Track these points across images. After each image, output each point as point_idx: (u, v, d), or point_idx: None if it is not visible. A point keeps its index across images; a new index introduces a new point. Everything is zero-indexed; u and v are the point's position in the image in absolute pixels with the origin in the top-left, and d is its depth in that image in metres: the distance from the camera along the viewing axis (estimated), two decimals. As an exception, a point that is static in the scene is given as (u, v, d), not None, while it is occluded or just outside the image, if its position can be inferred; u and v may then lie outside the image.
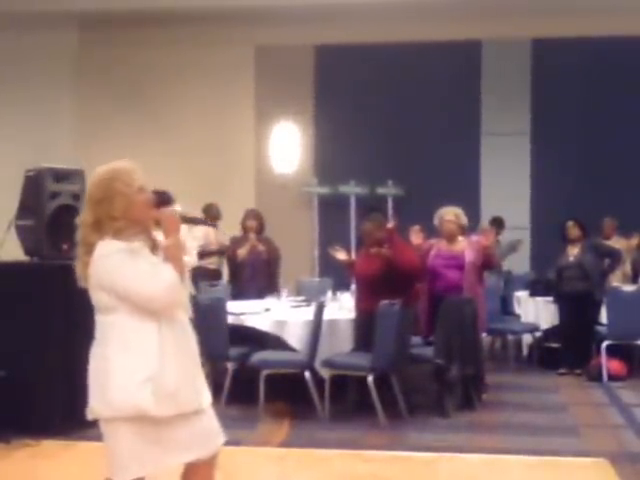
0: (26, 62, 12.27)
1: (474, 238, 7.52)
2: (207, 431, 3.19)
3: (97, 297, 3.08)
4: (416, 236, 7.33)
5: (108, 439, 3.10)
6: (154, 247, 3.15)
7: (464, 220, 7.47)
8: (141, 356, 3.00)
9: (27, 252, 6.31)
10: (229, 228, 9.57)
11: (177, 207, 3.27)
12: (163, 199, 3.33)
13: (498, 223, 10.24)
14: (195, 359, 3.19)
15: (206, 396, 3.23)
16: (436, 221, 7.44)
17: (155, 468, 3.11)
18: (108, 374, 3.01)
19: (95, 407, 3.08)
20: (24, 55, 12.24)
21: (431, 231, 7.51)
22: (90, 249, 3.07)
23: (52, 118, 12.39)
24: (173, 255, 3.06)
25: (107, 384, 3.01)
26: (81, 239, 3.12)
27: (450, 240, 7.36)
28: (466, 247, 7.30)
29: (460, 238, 7.39)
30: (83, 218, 3.12)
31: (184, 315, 3.18)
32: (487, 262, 7.36)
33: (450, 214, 7.39)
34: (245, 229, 9.06)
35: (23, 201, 6.28)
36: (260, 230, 9.07)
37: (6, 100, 12.33)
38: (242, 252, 8.90)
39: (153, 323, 3.03)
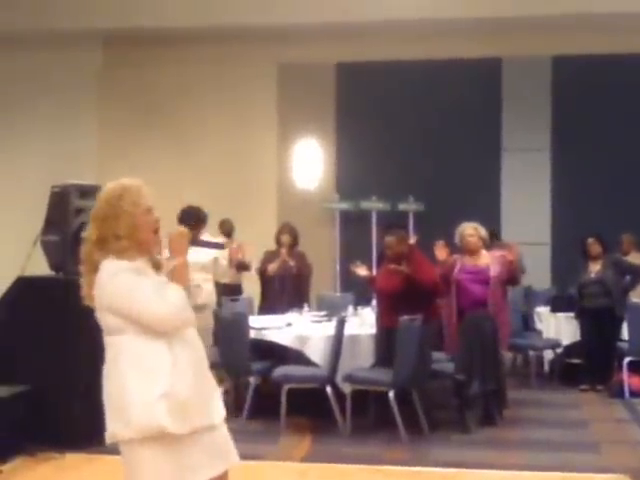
0: (50, 79, 12.46)
1: (498, 253, 7.54)
2: (219, 448, 3.12)
3: (105, 319, 3.04)
4: (441, 251, 7.36)
5: (129, 463, 3.02)
6: (157, 266, 3.13)
7: (483, 232, 7.49)
8: (154, 373, 2.96)
9: (52, 267, 6.38)
10: (252, 243, 9.65)
11: (183, 228, 3.23)
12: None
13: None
14: (206, 374, 3.15)
15: (219, 412, 3.16)
16: (457, 239, 7.45)
17: None
18: (124, 395, 2.95)
19: (114, 430, 3.00)
20: (48, 72, 12.43)
21: (454, 247, 7.52)
22: (94, 267, 3.04)
23: (76, 134, 12.55)
24: (180, 275, 3.06)
25: (124, 404, 2.95)
26: (85, 256, 3.08)
27: (473, 254, 7.37)
28: (490, 262, 7.31)
29: (483, 252, 7.41)
30: (88, 234, 3.07)
31: (192, 330, 3.13)
32: (512, 278, 7.39)
33: (469, 229, 7.41)
34: (279, 243, 9.04)
35: (49, 217, 6.36)
36: (294, 244, 9.05)
37: (31, 117, 12.52)
38: (273, 267, 8.87)
39: (163, 341, 2.99)
